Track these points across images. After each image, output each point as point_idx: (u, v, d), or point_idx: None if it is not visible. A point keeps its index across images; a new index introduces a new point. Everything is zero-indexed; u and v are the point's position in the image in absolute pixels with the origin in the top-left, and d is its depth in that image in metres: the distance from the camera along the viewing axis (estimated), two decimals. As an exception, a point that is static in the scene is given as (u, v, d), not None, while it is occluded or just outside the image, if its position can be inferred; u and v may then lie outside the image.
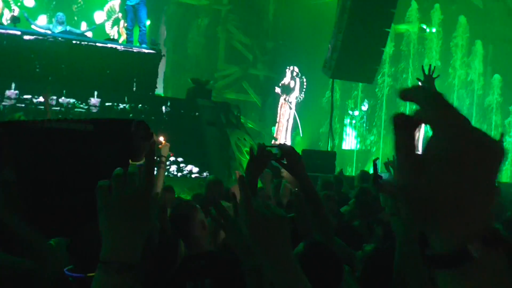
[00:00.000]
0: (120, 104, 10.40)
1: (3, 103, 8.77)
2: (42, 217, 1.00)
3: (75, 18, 15.73)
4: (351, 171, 15.46)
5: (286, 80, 16.64)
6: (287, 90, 16.50)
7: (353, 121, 18.31)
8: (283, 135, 15.67)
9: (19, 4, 14.81)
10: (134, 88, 11.00)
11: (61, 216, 1.02)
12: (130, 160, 1.00)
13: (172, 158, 8.93)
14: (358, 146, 17.99)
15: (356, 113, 18.13)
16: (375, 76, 10.91)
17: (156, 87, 11.75)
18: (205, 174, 9.57)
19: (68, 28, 11.63)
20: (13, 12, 12.73)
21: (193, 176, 9.90)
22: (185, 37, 16.59)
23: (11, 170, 0.95)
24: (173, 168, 9.55)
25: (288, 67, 16.62)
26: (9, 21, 11.28)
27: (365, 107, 18.11)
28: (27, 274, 1.31)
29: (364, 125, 18.19)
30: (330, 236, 2.09)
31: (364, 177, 5.26)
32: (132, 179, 0.91)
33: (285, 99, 16.53)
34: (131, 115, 10.05)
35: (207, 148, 10.50)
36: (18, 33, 10.02)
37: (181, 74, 14.62)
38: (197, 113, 11.11)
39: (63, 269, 1.67)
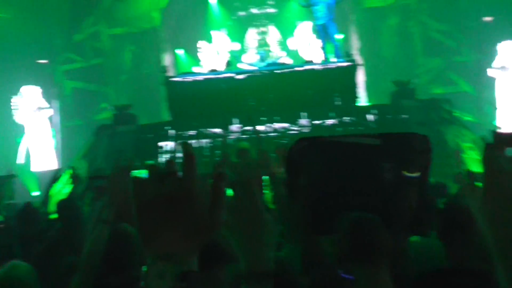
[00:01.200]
0: (327, 120, 10.76)
1: (230, 137, 10.08)
2: (325, 217, 1.13)
3: (273, 52, 17.06)
4: None
5: (501, 59, 14.71)
6: (505, 70, 14.56)
7: None
8: (509, 122, 13.81)
9: (227, 50, 16.89)
10: (338, 103, 11.24)
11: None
12: (405, 172, 1.07)
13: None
14: None
15: None
16: None
17: (358, 97, 11.80)
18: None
19: (270, 61, 12.72)
20: (225, 58, 14.53)
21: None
22: (378, 41, 16.28)
23: (306, 177, 1.09)
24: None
25: (500, 43, 14.68)
26: (224, 67, 12.91)
27: None
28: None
29: None
30: None
31: None
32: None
33: (504, 81, 14.60)
34: (339, 129, 10.29)
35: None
36: (232, 75, 11.46)
37: (381, 79, 14.34)
38: (404, 116, 10.71)
39: None
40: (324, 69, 11.57)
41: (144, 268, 0.73)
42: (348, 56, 11.94)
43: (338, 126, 10.53)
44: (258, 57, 12.83)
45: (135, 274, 2.15)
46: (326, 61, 12.08)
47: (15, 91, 16.47)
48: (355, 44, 15.73)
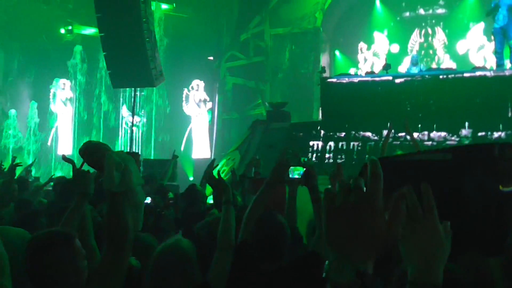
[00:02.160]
0: (494, 133, 9.64)
1: (381, 142, 9.68)
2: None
3: (438, 55, 15.92)
4: None
5: None
6: None
7: None
8: None
9: (385, 52, 16.28)
10: (510, 114, 9.98)
11: None
12: (500, 186, 0.99)
13: None
14: None
15: None
16: None
17: (537, 110, 10.30)
18: None
19: (422, 67, 11.84)
20: (384, 60, 14.02)
21: None
22: None
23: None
24: None
25: None
26: (381, 69, 12.46)
27: None
28: None
29: None
30: None
31: None
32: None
33: None
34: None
35: None
36: (390, 78, 11.00)
37: None
38: None
39: None
40: (497, 76, 10.35)
41: (326, 263, 0.87)
42: (528, 62, 10.51)
43: (506, 140, 9.34)
44: (414, 60, 12.00)
45: (285, 262, 2.34)
46: (500, 67, 10.80)
47: (187, 84, 18.30)
48: (539, 50, 13.75)
